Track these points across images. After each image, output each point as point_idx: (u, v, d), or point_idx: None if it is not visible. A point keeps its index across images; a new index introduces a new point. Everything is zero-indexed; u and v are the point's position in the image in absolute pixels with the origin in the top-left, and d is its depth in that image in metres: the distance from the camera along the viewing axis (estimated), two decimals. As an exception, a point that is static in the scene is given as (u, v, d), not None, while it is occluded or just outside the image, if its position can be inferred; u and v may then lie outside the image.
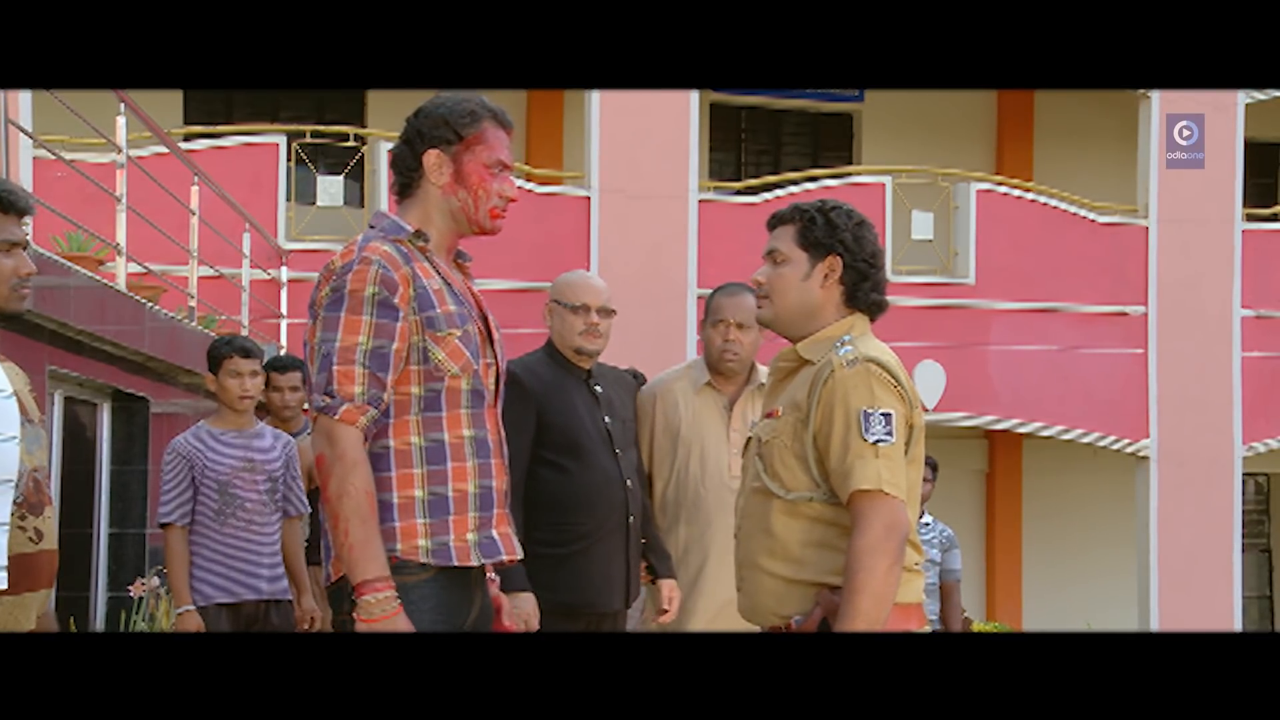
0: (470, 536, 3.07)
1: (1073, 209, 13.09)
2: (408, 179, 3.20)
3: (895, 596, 3.01)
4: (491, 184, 3.17)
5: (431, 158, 3.15)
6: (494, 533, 3.12)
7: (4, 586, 3.08)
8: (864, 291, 3.19)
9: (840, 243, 3.17)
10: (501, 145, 3.20)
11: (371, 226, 3.19)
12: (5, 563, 3.08)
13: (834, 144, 15.61)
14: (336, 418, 2.96)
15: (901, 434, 3.04)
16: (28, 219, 3.33)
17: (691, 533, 4.68)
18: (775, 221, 3.26)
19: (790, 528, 3.11)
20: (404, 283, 3.04)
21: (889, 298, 3.28)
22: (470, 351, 3.11)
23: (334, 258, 3.10)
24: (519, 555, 3.20)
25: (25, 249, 3.27)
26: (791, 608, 3.10)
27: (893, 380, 3.05)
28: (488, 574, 3.24)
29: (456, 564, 3.04)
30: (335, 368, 2.97)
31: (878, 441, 2.99)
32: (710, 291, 4.90)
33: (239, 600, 5.45)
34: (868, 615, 2.96)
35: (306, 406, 3.09)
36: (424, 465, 3.04)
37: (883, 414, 3.01)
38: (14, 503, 3.14)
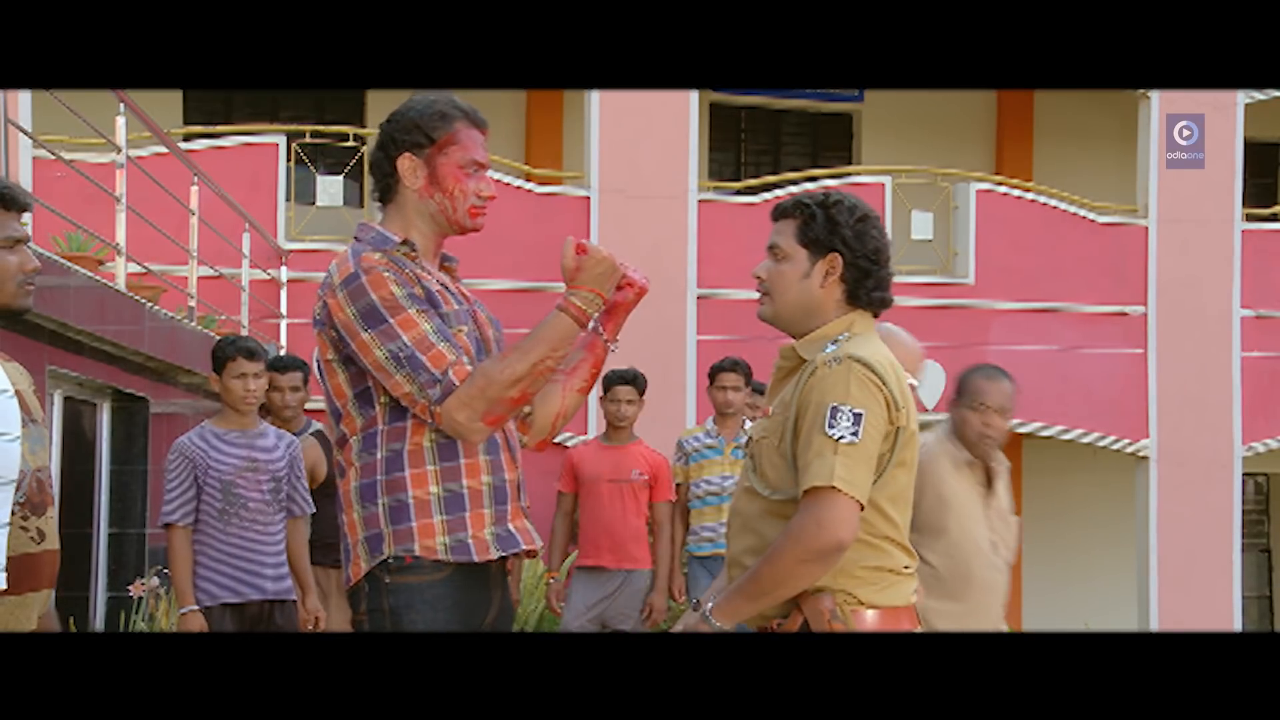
0: (488, 531, 3.09)
1: (1073, 209, 13.08)
2: (386, 184, 3.23)
3: (794, 590, 2.94)
4: (467, 184, 3.19)
5: (405, 162, 3.18)
6: (510, 526, 3.14)
7: (3, 587, 3.08)
8: (866, 289, 3.13)
9: (841, 240, 3.11)
10: (475, 145, 3.21)
11: (357, 239, 3.21)
12: (3, 563, 3.08)
13: (834, 144, 15.60)
14: (457, 379, 3.01)
15: (875, 435, 2.96)
16: (27, 215, 3.33)
17: (963, 609, 4.52)
18: (778, 214, 3.20)
19: (774, 527, 3.06)
20: (411, 282, 3.08)
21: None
22: (475, 349, 3.14)
23: (330, 275, 3.12)
24: (538, 546, 3.21)
25: (27, 245, 3.28)
26: (776, 609, 3.05)
27: (876, 380, 2.98)
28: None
29: (476, 559, 3.06)
30: (424, 359, 3.01)
31: (840, 438, 2.92)
32: (965, 372, 4.78)
33: (243, 600, 5.45)
34: (751, 596, 2.95)
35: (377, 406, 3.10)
36: (437, 463, 3.07)
37: (853, 412, 2.93)
38: (17, 503, 3.14)
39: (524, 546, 3.15)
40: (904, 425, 3.02)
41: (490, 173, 3.27)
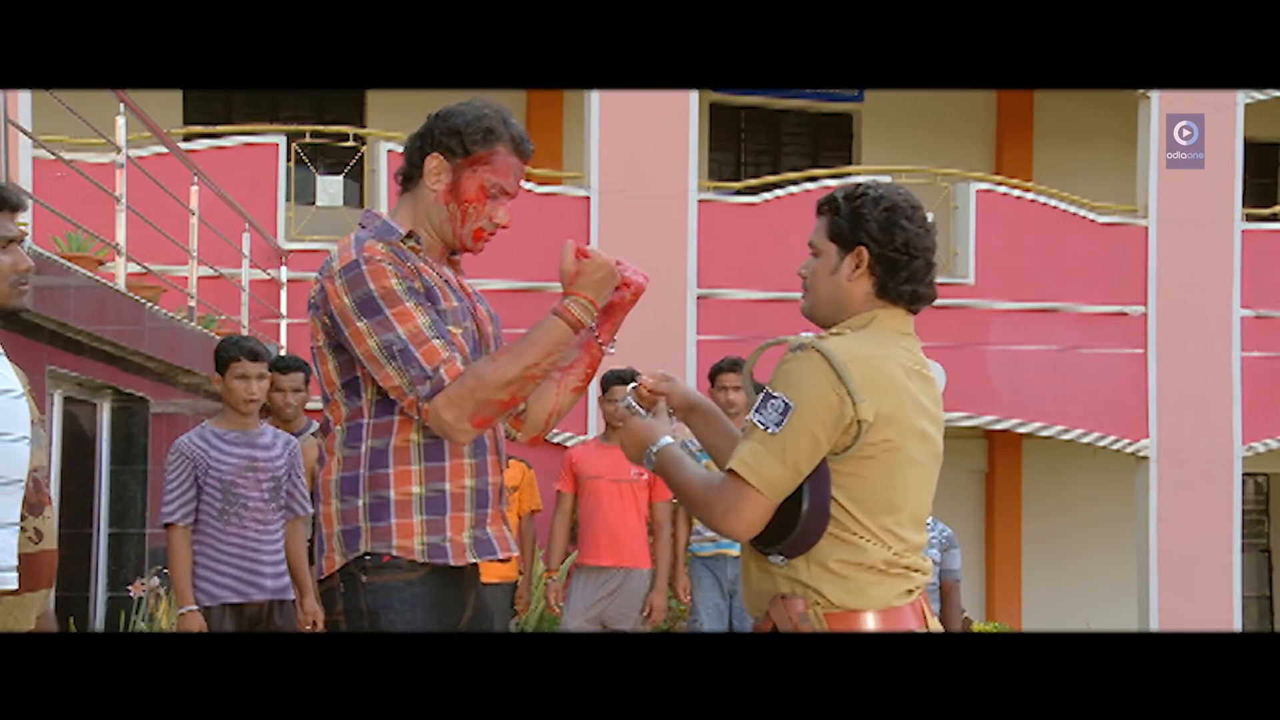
0: (465, 535, 3.08)
1: (1073, 209, 13.08)
2: (410, 173, 3.21)
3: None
4: (484, 206, 3.16)
5: (432, 162, 3.15)
6: (488, 530, 3.13)
7: (14, 587, 3.08)
8: (896, 282, 3.04)
9: (866, 233, 3.03)
10: (509, 171, 3.17)
11: (362, 226, 3.19)
12: (15, 563, 3.08)
13: (833, 144, 15.61)
14: (448, 377, 2.98)
15: (804, 430, 2.86)
16: (22, 215, 3.34)
17: None
18: (817, 211, 3.15)
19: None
20: (412, 275, 3.06)
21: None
22: (471, 347, 3.12)
23: (330, 261, 3.10)
24: (514, 553, 3.20)
25: (22, 244, 3.28)
26: (763, 607, 3.01)
27: (831, 373, 2.87)
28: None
29: (452, 563, 3.05)
30: (417, 353, 2.99)
31: (764, 427, 2.87)
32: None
33: (243, 600, 5.45)
34: (672, 480, 3.03)
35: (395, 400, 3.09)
36: (422, 462, 3.05)
37: (784, 403, 2.86)
38: (16, 503, 3.14)
39: (500, 555, 3.13)
40: (868, 419, 2.88)
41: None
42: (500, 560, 3.17)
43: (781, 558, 2.93)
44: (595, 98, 11.91)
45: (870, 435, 2.90)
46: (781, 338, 3.09)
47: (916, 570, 2.98)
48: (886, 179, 12.86)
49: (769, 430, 2.87)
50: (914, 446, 2.97)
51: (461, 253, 3.23)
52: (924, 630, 2.97)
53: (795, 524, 2.89)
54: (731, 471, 2.89)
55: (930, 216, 10.41)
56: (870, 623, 2.91)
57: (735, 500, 2.89)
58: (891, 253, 3.04)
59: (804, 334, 3.04)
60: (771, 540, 2.93)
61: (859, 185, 3.13)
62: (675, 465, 3.05)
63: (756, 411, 2.91)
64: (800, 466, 2.87)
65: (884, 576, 2.93)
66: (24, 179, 8.46)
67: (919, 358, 3.08)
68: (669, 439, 3.11)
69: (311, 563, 6.06)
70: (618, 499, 7.48)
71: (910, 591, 2.97)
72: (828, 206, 3.11)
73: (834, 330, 3.06)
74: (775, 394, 2.89)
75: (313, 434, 6.48)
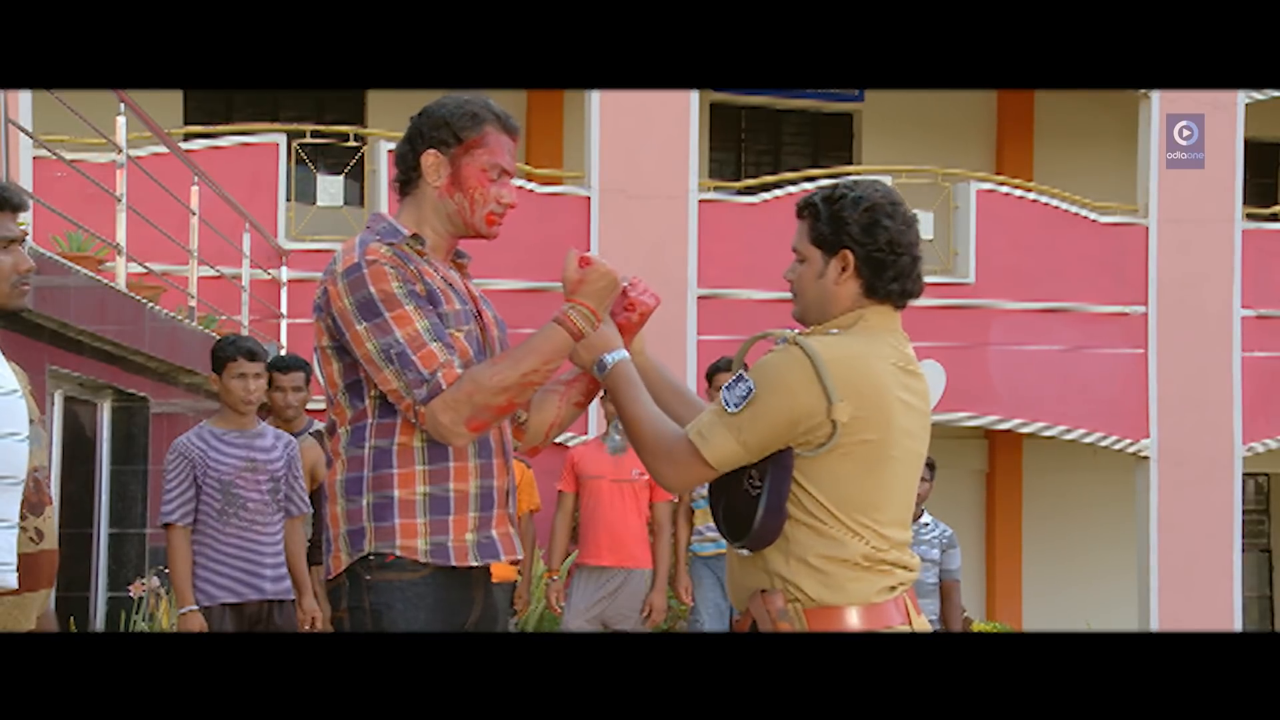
0: (469, 537, 3.08)
1: (1073, 209, 13.09)
2: (407, 177, 3.21)
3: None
4: (489, 189, 3.17)
5: (429, 159, 3.15)
6: (493, 533, 3.13)
7: (14, 586, 3.08)
8: (884, 281, 3.02)
9: (849, 236, 3.01)
10: (503, 150, 3.18)
11: (368, 228, 3.20)
12: (14, 563, 3.08)
13: (834, 144, 15.61)
14: (445, 382, 2.99)
15: (763, 417, 2.90)
16: (23, 215, 3.34)
17: None
18: (797, 214, 3.14)
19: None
20: (414, 278, 3.07)
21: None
22: (474, 350, 3.13)
23: (334, 263, 3.10)
24: (519, 555, 3.20)
25: (23, 245, 3.28)
26: (746, 601, 3.03)
27: (810, 368, 2.89)
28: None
29: (454, 564, 3.05)
30: (414, 357, 2.99)
31: (724, 402, 2.94)
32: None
33: (242, 600, 5.45)
34: (625, 411, 3.07)
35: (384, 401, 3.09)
36: (426, 463, 3.06)
37: (748, 386, 2.92)
38: (16, 502, 3.14)
39: (504, 557, 3.14)
40: (842, 419, 2.89)
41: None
42: (509, 563, 3.18)
43: (746, 550, 3.00)
44: (595, 98, 11.91)
45: (846, 434, 2.91)
46: (768, 331, 3.12)
47: (900, 566, 2.99)
48: (887, 179, 12.86)
49: (729, 408, 2.94)
50: (896, 445, 2.98)
51: (476, 238, 3.24)
52: (909, 627, 2.96)
53: (753, 521, 2.94)
54: (698, 452, 2.96)
55: (927, 213, 10.33)
56: (853, 618, 2.91)
57: (681, 458, 2.99)
58: (876, 253, 3.03)
59: (789, 330, 3.05)
60: (735, 536, 2.99)
61: (837, 186, 3.11)
62: (630, 388, 3.11)
63: (725, 389, 2.97)
64: (750, 446, 2.93)
65: (864, 572, 2.93)
66: (24, 179, 8.46)
67: (906, 354, 3.07)
68: (625, 354, 3.16)
69: (316, 563, 6.06)
70: (619, 499, 7.49)
71: (893, 588, 2.96)
72: (808, 211, 3.10)
73: (820, 329, 3.06)
74: (746, 377, 2.95)
75: (312, 434, 6.49)
